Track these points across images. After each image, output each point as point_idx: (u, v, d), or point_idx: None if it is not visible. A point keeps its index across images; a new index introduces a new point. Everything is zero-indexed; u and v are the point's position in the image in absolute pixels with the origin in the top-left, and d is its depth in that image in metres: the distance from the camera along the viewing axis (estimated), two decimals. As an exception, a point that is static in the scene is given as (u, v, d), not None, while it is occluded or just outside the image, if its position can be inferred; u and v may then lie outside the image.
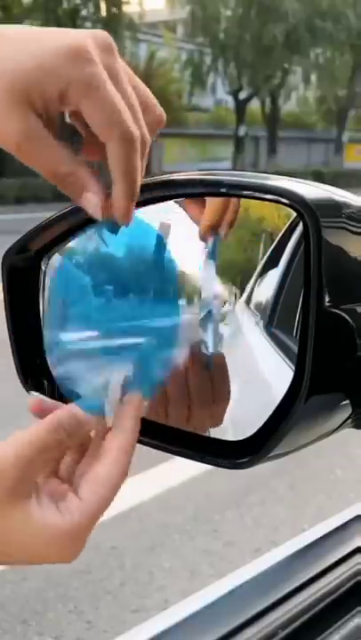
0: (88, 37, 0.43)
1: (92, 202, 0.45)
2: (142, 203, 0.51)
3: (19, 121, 0.42)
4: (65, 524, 0.43)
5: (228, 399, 0.51)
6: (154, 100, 0.46)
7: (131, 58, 22.81)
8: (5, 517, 0.42)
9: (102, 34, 0.44)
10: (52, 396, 0.59)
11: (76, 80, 0.42)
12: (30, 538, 0.43)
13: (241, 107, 24.77)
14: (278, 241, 0.49)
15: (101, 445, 0.46)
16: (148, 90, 0.47)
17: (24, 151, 0.43)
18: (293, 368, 0.46)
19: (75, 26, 19.72)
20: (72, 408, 0.46)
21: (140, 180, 0.45)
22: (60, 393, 0.58)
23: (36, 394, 0.50)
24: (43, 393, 0.60)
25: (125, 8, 21.33)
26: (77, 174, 0.44)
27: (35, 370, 0.60)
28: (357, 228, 0.48)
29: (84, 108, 0.43)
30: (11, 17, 19.04)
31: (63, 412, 0.45)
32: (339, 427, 0.51)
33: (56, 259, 0.58)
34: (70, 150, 0.44)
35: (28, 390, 0.60)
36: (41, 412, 0.47)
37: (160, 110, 0.47)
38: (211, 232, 0.51)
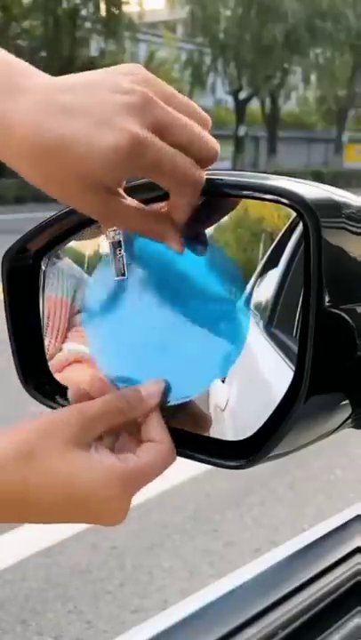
0: (134, 119, 0.43)
1: (173, 246, 0.49)
2: (142, 202, 0.51)
3: (92, 204, 0.46)
4: (121, 465, 0.47)
5: (209, 424, 0.52)
6: (205, 136, 0.48)
7: (130, 58, 22.81)
8: (65, 459, 0.46)
9: (139, 95, 0.44)
10: (51, 397, 0.59)
11: (141, 168, 0.44)
12: (88, 478, 0.46)
13: (241, 107, 24.79)
14: (278, 241, 0.49)
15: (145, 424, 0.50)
16: (199, 117, 0.48)
17: (101, 221, 0.50)
18: (293, 368, 0.46)
19: (75, 26, 19.74)
20: (136, 386, 0.51)
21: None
22: (58, 393, 0.58)
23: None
24: (42, 393, 0.60)
25: (125, 8, 21.33)
26: (153, 228, 0.48)
27: (35, 370, 0.60)
28: (357, 228, 0.48)
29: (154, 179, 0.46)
30: (10, 17, 19.04)
31: (128, 387, 0.51)
32: (339, 427, 0.51)
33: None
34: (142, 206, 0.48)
35: (28, 390, 0.60)
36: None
37: (212, 144, 0.48)
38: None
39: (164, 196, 0.49)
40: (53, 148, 0.43)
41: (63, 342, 0.60)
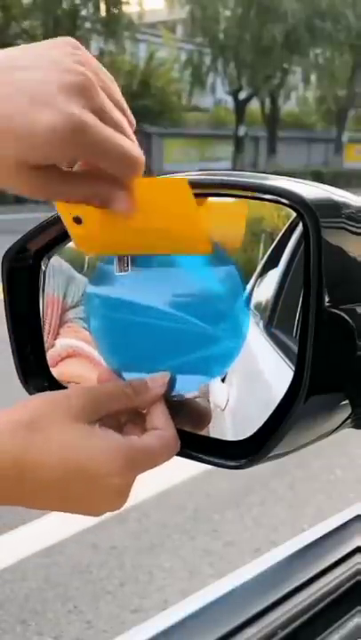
0: (77, 100, 0.42)
1: (122, 207, 0.46)
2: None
3: (31, 186, 0.44)
4: (125, 442, 0.47)
5: (208, 423, 0.52)
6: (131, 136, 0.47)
7: (130, 58, 22.81)
8: (67, 433, 0.46)
9: (83, 77, 0.43)
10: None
11: (82, 148, 0.43)
12: (90, 451, 0.46)
13: (241, 107, 24.78)
14: (278, 241, 0.49)
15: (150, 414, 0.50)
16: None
17: (45, 198, 0.47)
18: (293, 368, 0.46)
19: (74, 26, 19.72)
20: (144, 377, 0.51)
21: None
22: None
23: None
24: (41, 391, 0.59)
25: (125, 8, 21.32)
26: (99, 192, 0.46)
27: (35, 370, 0.60)
28: (357, 228, 0.48)
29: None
30: (10, 17, 19.04)
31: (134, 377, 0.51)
32: (338, 427, 0.51)
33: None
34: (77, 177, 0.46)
35: (27, 390, 0.60)
36: None
37: (137, 150, 0.46)
38: None
39: None
40: None
41: (55, 339, 0.60)
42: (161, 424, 0.49)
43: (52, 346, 0.60)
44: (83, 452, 0.46)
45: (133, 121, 0.48)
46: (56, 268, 0.59)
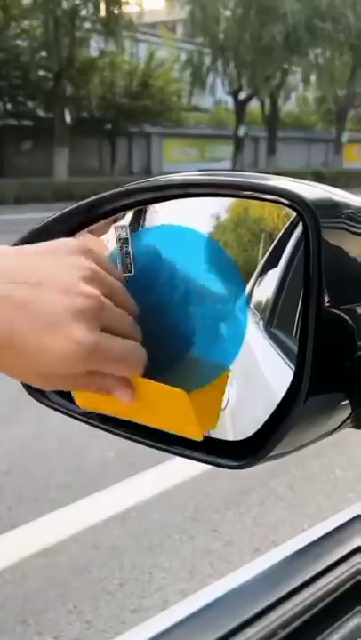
0: (87, 324, 0.44)
1: (122, 398, 0.49)
2: (142, 203, 0.51)
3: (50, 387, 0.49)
4: None
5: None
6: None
7: (130, 58, 22.82)
8: None
9: (92, 300, 0.45)
10: (50, 396, 0.59)
11: (92, 366, 0.46)
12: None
13: (240, 107, 24.79)
14: (278, 241, 0.49)
15: None
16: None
17: None
18: (293, 368, 0.46)
19: (74, 26, 19.71)
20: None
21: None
22: (57, 393, 0.58)
23: None
24: (42, 393, 0.59)
25: (125, 8, 21.33)
26: (104, 386, 0.49)
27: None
28: (357, 228, 0.48)
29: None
30: (10, 17, 19.04)
31: None
32: (338, 427, 0.51)
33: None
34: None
35: (28, 391, 0.60)
36: None
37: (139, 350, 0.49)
38: None
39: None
40: (4, 344, 0.44)
41: None
42: None
43: None
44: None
45: (134, 309, 0.50)
46: None
